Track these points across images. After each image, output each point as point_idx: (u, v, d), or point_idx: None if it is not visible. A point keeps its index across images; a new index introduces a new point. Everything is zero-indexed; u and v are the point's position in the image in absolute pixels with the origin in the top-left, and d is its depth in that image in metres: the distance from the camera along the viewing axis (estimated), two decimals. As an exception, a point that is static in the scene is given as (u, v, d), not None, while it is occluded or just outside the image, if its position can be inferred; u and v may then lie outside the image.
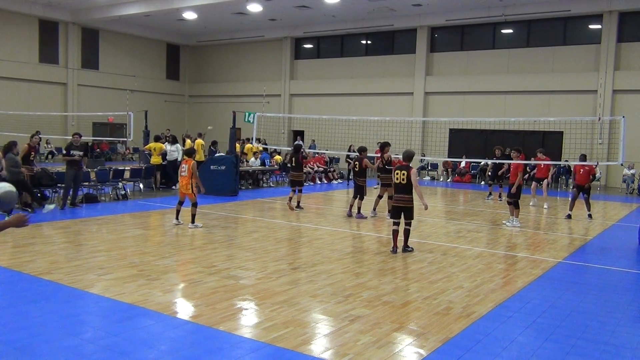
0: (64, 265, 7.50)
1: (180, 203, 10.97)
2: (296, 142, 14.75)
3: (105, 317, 5.62)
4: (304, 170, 15.74)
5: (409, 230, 8.99)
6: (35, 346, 4.77)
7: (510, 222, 12.17)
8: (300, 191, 13.72)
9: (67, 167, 12.54)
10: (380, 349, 4.91)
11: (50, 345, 4.79)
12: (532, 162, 15.34)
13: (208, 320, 5.49)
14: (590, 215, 13.66)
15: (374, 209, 13.09)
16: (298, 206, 13.61)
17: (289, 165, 15.50)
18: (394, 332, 5.35)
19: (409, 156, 8.96)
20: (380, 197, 13.11)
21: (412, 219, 8.93)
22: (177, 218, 10.90)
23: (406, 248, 8.98)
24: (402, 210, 8.86)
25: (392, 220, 9.18)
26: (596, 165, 21.63)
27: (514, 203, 12.03)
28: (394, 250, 8.94)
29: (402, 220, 8.95)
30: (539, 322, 5.81)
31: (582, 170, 13.66)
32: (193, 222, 10.69)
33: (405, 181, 8.69)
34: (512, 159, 12.58)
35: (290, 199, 13.64)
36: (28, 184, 11.26)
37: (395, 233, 9.01)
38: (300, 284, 6.91)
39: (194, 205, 10.70)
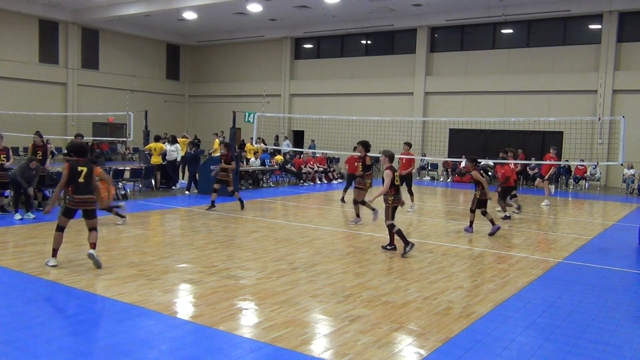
0: (64, 265, 7.50)
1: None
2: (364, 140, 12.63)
3: (105, 317, 5.61)
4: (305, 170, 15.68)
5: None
6: (35, 346, 4.77)
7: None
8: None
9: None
10: (380, 349, 4.91)
11: (50, 345, 4.79)
12: (518, 161, 15.93)
13: (208, 320, 5.49)
14: None
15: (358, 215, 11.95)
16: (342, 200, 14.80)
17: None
18: (394, 332, 5.35)
19: (390, 157, 9.07)
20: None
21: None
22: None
23: (387, 247, 9.13)
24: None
25: (391, 222, 9.08)
26: (596, 166, 21.75)
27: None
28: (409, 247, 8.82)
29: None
30: (539, 322, 5.81)
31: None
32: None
33: (398, 182, 8.99)
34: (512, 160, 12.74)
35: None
36: (25, 186, 11.22)
37: (400, 232, 8.99)
38: (300, 284, 6.91)
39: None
